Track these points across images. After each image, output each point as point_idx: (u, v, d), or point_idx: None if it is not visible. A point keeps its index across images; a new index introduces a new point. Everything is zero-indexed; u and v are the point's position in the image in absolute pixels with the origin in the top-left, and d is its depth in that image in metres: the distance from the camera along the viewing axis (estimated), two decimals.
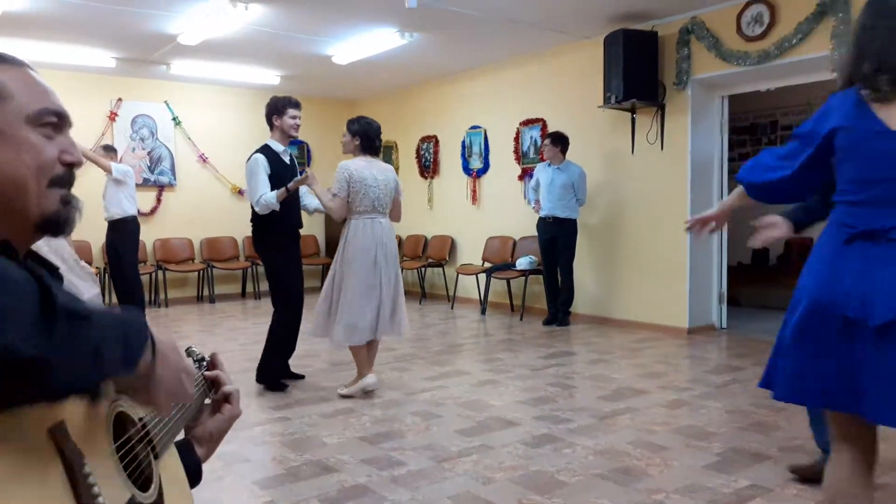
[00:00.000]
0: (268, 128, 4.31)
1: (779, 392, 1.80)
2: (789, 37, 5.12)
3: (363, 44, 6.64)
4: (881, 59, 1.69)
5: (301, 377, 4.55)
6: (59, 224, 0.86)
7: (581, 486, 2.74)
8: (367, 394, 4.12)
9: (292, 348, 4.51)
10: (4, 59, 0.86)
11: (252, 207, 4.19)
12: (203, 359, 1.23)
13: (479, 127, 7.93)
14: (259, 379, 4.33)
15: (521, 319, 6.93)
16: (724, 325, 6.20)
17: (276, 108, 4.17)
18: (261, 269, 8.82)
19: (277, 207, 4.08)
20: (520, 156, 7.49)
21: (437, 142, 8.56)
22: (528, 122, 7.38)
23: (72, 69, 7.40)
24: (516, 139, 7.52)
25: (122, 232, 6.47)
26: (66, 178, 0.86)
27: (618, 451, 3.15)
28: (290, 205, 4.26)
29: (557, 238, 6.35)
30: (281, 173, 4.17)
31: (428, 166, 8.65)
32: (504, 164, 7.69)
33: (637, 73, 5.82)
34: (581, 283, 6.64)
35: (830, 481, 1.81)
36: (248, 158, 4.22)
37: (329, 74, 7.93)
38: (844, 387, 1.67)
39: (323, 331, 4.13)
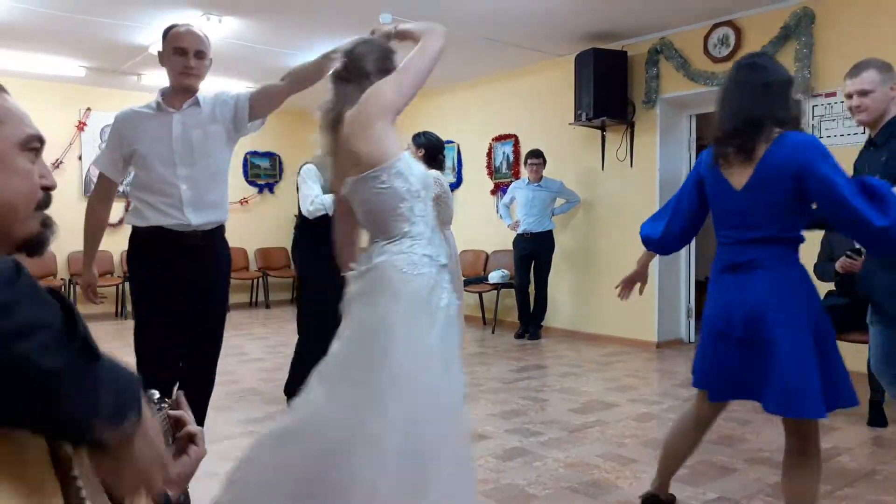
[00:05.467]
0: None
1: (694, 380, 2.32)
2: None
3: None
4: (724, 127, 2.11)
5: None
6: (38, 245, 0.88)
7: (551, 499, 2.76)
8: None
9: None
10: None
11: (300, 214, 4.11)
12: (163, 399, 1.16)
13: (452, 142, 7.97)
14: (288, 392, 4.04)
15: (493, 332, 6.95)
16: (692, 339, 6.29)
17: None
18: (235, 281, 8.75)
19: (331, 212, 3.82)
20: (492, 171, 7.57)
21: None
22: (500, 138, 7.45)
23: (39, 78, 7.28)
24: (489, 154, 7.59)
25: None
26: (45, 202, 0.89)
27: (588, 463, 3.17)
28: None
29: (536, 253, 6.46)
30: None
31: None
32: (477, 178, 7.73)
33: (607, 92, 5.93)
34: (552, 297, 6.68)
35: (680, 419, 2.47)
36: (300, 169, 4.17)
37: None
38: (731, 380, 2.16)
39: None
